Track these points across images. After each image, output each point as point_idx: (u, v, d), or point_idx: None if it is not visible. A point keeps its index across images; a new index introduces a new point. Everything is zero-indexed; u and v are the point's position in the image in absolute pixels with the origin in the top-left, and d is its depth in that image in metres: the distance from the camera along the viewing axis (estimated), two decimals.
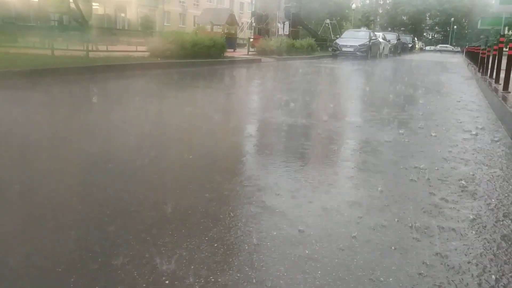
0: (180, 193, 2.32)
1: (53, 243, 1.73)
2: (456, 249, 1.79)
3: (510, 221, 2.11)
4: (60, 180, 2.49)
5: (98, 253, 1.65)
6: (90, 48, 10.78)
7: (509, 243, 1.87)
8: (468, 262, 1.69)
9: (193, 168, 2.85)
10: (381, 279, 1.55)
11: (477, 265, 1.67)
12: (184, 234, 1.82)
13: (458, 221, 2.07)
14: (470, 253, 1.76)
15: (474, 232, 1.97)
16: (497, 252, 1.79)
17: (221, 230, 1.87)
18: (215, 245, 1.74)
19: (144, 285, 1.46)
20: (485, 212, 2.21)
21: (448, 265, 1.66)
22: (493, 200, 2.39)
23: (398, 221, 2.04)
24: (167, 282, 1.48)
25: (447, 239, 1.88)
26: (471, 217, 2.13)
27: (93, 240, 1.75)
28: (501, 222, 2.09)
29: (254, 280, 1.51)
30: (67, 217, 1.97)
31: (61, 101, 5.62)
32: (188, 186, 2.44)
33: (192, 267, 1.58)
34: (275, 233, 1.87)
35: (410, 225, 2.00)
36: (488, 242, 1.87)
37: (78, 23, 13.16)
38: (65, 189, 2.36)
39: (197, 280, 1.49)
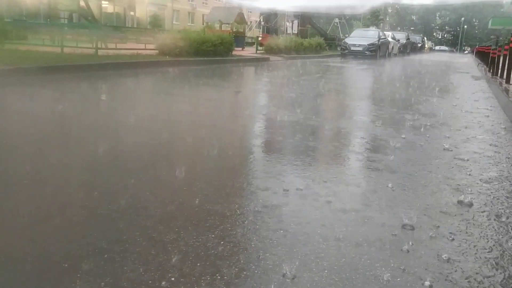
0: (187, 190, 2.32)
1: (60, 239, 1.73)
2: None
3: None
4: (68, 176, 2.50)
5: (104, 249, 1.65)
6: (99, 45, 10.83)
7: None
8: None
9: (201, 165, 2.85)
10: (389, 278, 1.53)
11: None
12: (190, 231, 1.82)
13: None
14: None
15: None
16: None
17: (227, 228, 1.86)
18: (222, 242, 1.73)
19: (150, 281, 1.45)
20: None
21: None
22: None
23: (408, 220, 2.02)
24: (173, 279, 1.47)
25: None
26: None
27: (99, 236, 1.75)
28: None
29: (260, 278, 1.50)
30: (74, 213, 1.97)
31: (70, 98, 5.64)
32: (195, 183, 2.43)
33: (198, 264, 1.57)
34: (281, 231, 1.86)
35: (421, 225, 1.98)
36: None
37: (88, 21, 13.24)
38: (73, 184, 2.37)
39: (203, 277, 1.48)
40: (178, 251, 1.66)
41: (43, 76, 7.02)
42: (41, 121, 4.08)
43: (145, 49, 12.51)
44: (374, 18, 58.83)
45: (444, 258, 1.68)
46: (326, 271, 1.56)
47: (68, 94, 5.95)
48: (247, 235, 1.81)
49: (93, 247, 1.66)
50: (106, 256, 1.60)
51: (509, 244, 1.84)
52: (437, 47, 72.85)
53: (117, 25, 26.50)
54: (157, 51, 11.85)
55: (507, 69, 8.67)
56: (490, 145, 3.69)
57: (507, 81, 8.31)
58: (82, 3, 13.63)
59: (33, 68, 7.23)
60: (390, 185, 2.53)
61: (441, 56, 35.26)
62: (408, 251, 1.73)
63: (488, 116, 5.24)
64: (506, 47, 9.30)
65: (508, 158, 3.31)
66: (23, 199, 2.12)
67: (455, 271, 1.60)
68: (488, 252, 1.77)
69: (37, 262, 1.55)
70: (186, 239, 1.74)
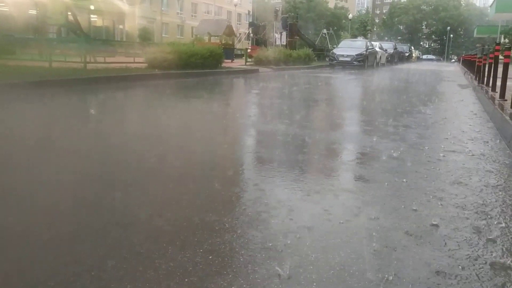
0: (176, 204, 2.31)
1: (46, 256, 1.71)
2: None
3: None
4: (55, 192, 2.48)
5: (91, 266, 1.63)
6: (88, 59, 10.82)
7: None
8: None
9: (189, 179, 2.84)
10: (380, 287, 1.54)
11: None
12: (178, 246, 1.81)
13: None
14: None
15: None
16: None
17: (216, 242, 1.85)
18: (210, 257, 1.72)
19: None
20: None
21: None
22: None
23: (396, 233, 2.03)
24: None
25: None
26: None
27: (86, 253, 1.73)
28: None
29: None
30: (61, 229, 1.96)
31: (58, 112, 5.61)
32: (183, 197, 2.43)
33: (186, 280, 1.56)
34: (270, 244, 1.85)
35: (408, 232, 1.99)
36: None
37: (76, 35, 13.22)
38: (60, 200, 2.35)
39: None
40: (166, 266, 1.64)
41: (31, 91, 6.99)
42: (29, 136, 4.04)
43: (134, 62, 12.52)
44: (362, 28, 59.44)
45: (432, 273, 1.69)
46: (314, 283, 1.56)
47: (56, 108, 5.91)
48: (236, 249, 1.81)
49: (80, 264, 1.64)
50: (93, 273, 1.58)
51: None
52: (424, 56, 73.64)
53: (106, 39, 26.49)
54: (146, 64, 11.85)
55: (493, 78, 8.79)
56: (474, 155, 3.73)
57: (493, 89, 8.42)
58: (70, 17, 13.62)
59: (21, 83, 7.20)
60: (380, 196, 2.54)
61: (429, 65, 35.69)
62: (397, 262, 1.74)
63: (473, 125, 5.30)
64: (491, 55, 9.44)
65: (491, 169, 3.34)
66: (9, 215, 2.10)
67: None
68: None
69: (22, 280, 1.53)
70: (174, 255, 1.73)
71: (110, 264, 1.65)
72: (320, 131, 4.75)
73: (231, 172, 3.07)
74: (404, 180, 2.84)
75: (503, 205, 2.45)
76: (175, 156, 3.49)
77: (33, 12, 14.64)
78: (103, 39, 23.81)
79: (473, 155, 3.63)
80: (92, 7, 22.91)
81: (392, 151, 3.68)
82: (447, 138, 4.35)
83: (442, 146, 3.97)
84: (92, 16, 27.20)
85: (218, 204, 2.32)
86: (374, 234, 1.98)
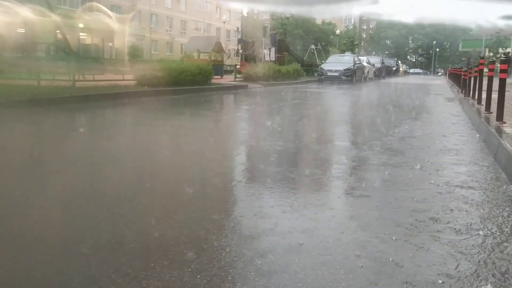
0: (164, 223, 2.29)
1: (32, 278, 1.68)
2: None
3: None
4: (42, 211, 2.45)
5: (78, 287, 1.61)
6: (76, 77, 10.78)
7: None
8: None
9: (177, 197, 2.83)
10: None
11: None
12: (166, 265, 1.80)
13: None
14: None
15: None
16: None
17: (204, 261, 1.84)
18: (198, 276, 1.71)
19: None
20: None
21: None
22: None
23: (387, 246, 2.04)
24: None
25: None
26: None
27: (72, 275, 1.71)
28: None
29: None
30: (47, 249, 1.93)
31: (47, 132, 5.58)
32: (172, 216, 2.41)
33: None
34: (259, 261, 1.85)
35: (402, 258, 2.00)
36: None
37: (65, 53, 13.20)
38: (47, 220, 2.32)
39: None
40: (153, 287, 1.63)
41: (20, 110, 6.94)
42: (17, 155, 4.01)
43: (123, 79, 12.51)
44: (350, 43, 60.22)
45: None
46: None
47: (45, 127, 5.88)
48: (224, 268, 1.80)
49: (67, 285, 1.62)
50: None
51: None
52: (411, 70, 74.41)
53: (95, 56, 26.51)
54: (135, 82, 11.85)
55: (478, 90, 8.92)
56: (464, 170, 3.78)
57: (479, 102, 8.54)
58: (59, 36, 13.62)
59: (8, 102, 7.14)
60: (367, 211, 2.55)
61: (416, 79, 36.16)
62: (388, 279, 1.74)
63: (463, 136, 5.37)
64: (476, 69, 9.60)
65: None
66: None
67: None
68: None
69: None
70: (162, 274, 1.72)
71: (97, 285, 1.63)
72: (312, 146, 4.77)
73: (219, 189, 3.07)
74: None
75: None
76: (163, 174, 3.48)
77: (21, 30, 14.61)
78: (92, 56, 23.84)
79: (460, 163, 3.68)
80: (81, 25, 22.96)
81: (381, 168, 3.70)
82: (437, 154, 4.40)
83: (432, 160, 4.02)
84: (81, 34, 27.25)
85: (206, 223, 2.31)
86: None
